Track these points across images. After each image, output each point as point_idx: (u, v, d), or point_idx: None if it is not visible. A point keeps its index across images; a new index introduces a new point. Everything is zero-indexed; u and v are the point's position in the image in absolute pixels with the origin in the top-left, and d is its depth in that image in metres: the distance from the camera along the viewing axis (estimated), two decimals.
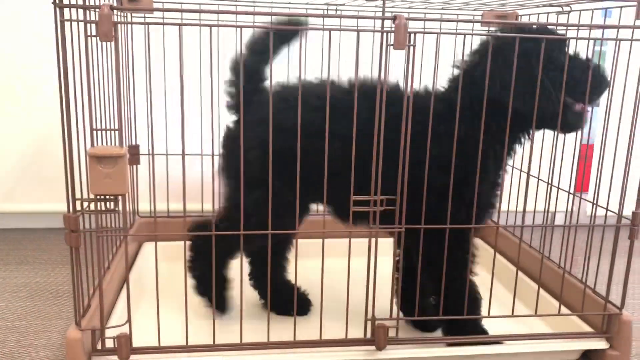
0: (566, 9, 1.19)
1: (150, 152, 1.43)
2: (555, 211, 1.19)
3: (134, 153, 1.38)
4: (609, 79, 0.94)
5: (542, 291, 1.13)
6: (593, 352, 1.03)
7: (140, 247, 1.38)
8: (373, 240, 0.90)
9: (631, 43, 0.94)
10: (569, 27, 0.99)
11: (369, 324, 0.94)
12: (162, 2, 1.30)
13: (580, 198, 1.13)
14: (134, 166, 1.38)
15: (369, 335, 0.94)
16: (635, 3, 0.90)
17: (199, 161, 1.33)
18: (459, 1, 1.23)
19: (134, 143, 1.38)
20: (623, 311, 1.01)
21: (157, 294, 0.91)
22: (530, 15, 1.32)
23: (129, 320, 0.89)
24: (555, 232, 1.14)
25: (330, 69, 0.87)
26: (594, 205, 1.04)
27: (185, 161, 0.87)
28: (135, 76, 1.32)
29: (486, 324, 1.02)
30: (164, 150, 1.40)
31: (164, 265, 1.26)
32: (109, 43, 0.82)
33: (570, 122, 0.95)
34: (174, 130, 1.38)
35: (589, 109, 0.96)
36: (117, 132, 0.84)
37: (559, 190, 1.14)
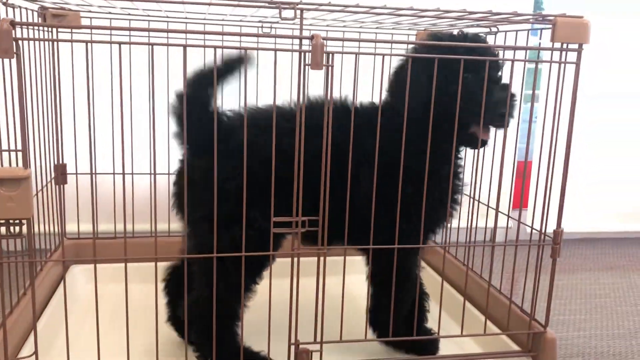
0: (494, 29, 1.21)
1: (76, 172, 1.41)
2: (495, 228, 1.19)
3: (61, 172, 1.33)
4: (512, 101, 0.94)
5: (473, 309, 1.14)
6: None
7: (67, 269, 1.33)
8: (295, 261, 0.89)
9: (550, 65, 0.96)
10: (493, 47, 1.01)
11: (292, 348, 0.92)
12: (90, 18, 1.28)
13: (508, 216, 1.14)
14: (61, 186, 1.33)
15: (292, 359, 0.92)
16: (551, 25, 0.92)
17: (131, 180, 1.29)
18: (391, 21, 1.23)
19: (60, 162, 1.33)
20: (547, 329, 1.02)
21: (96, 320, 0.86)
22: None
23: (35, 353, 0.84)
24: (496, 250, 1.14)
25: (247, 89, 0.86)
26: (519, 223, 1.05)
27: (120, 180, 0.83)
28: (69, 93, 1.28)
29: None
30: (100, 169, 1.36)
31: (90, 288, 1.22)
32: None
33: (466, 142, 0.96)
34: (105, 149, 1.35)
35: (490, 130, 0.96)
36: (20, 152, 0.80)
37: (493, 208, 1.15)
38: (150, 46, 0.79)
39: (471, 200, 1.16)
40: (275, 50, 0.83)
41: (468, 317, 1.06)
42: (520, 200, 1.13)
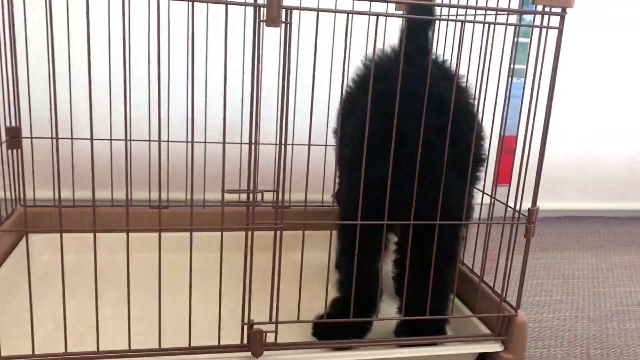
0: None
1: (31, 136, 1.33)
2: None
3: (13, 136, 1.25)
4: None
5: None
6: (488, 355, 0.98)
7: (20, 239, 1.26)
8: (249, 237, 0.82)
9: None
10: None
11: (245, 328, 0.86)
12: None
13: (483, 192, 1.07)
14: (15, 150, 1.26)
15: (245, 341, 0.86)
16: None
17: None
18: None
19: (13, 124, 1.25)
20: (519, 312, 0.96)
21: (29, 294, 0.80)
22: None
23: None
24: (473, 228, 1.08)
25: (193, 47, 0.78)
26: (493, 200, 0.99)
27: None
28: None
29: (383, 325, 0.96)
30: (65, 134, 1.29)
31: (47, 259, 1.16)
32: None
33: None
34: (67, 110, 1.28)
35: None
36: None
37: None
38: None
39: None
40: (227, 3, 0.75)
41: None
42: (497, 177, 1.07)
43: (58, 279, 1.05)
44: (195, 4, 0.76)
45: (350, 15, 0.79)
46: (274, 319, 0.87)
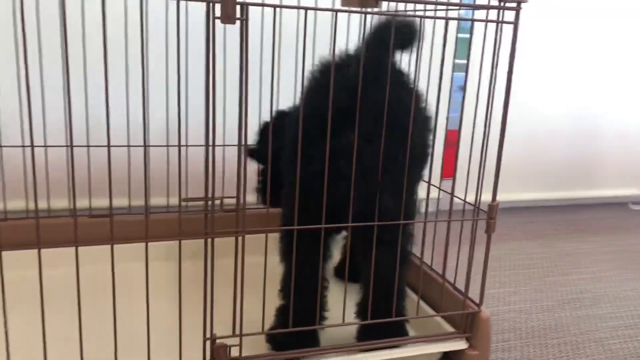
0: None
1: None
2: (427, 203, 1.13)
3: None
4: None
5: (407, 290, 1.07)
6: (452, 353, 0.98)
7: None
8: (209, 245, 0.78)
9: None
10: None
11: (208, 343, 0.82)
12: None
13: (440, 188, 1.07)
14: None
15: (208, 356, 0.82)
16: None
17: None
18: None
19: None
20: (482, 308, 0.97)
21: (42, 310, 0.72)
22: None
23: None
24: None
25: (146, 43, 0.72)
26: (452, 197, 0.98)
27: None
28: None
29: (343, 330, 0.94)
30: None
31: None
32: None
33: None
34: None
35: None
36: None
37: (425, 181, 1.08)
38: None
39: None
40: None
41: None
42: (453, 171, 1.07)
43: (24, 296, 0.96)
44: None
45: (305, 11, 0.76)
46: (237, 332, 0.83)
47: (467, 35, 1.74)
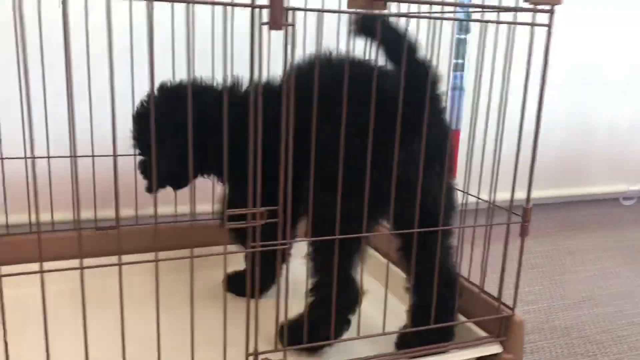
0: None
1: None
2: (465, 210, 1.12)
3: None
4: None
5: None
6: (485, 357, 0.97)
7: None
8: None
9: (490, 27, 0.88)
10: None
11: (251, 359, 0.79)
12: None
13: (467, 193, 1.06)
14: None
15: None
16: None
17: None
18: None
19: None
20: (515, 311, 0.96)
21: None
22: None
23: None
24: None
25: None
26: (491, 204, 0.98)
27: None
28: None
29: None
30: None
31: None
32: None
33: None
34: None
35: None
36: None
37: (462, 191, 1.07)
38: None
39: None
40: (225, 4, 0.68)
41: None
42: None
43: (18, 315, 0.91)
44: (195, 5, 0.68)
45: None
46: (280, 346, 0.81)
47: (464, 36, 1.75)
